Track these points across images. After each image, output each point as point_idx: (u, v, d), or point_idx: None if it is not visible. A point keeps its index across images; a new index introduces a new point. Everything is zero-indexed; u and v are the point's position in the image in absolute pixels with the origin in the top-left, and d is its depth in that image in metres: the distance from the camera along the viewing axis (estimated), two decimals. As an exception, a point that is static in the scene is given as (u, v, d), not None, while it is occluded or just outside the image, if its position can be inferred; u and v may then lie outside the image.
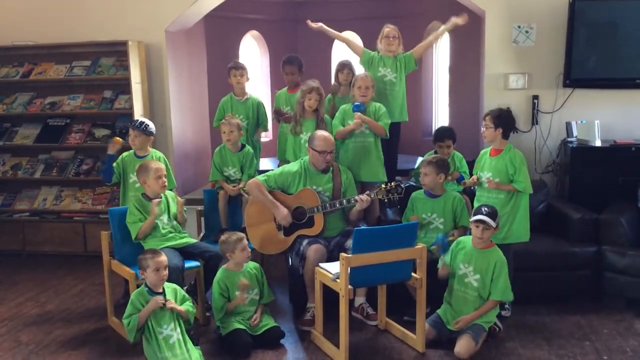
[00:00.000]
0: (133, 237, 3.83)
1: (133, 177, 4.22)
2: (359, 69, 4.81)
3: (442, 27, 4.68)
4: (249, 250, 3.71)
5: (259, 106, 4.89)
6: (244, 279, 3.64)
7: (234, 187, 4.44)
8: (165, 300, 3.30)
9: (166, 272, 3.39)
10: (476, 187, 3.96)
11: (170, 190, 4.18)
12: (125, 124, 5.39)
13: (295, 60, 4.92)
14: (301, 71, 4.89)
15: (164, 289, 3.40)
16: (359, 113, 4.18)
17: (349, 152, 4.29)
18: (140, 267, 3.41)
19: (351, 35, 4.74)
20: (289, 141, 4.47)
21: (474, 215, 3.53)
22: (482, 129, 3.89)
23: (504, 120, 3.86)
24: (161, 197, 3.91)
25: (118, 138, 4.33)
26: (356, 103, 4.21)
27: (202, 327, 3.84)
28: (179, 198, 4.13)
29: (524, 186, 3.78)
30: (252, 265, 3.76)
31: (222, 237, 3.72)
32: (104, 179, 4.38)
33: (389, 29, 4.59)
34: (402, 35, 4.66)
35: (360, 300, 3.96)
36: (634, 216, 4.24)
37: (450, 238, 3.84)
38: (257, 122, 4.91)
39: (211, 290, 3.69)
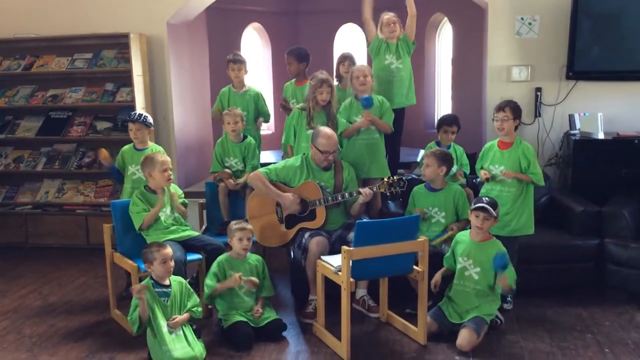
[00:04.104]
0: (137, 227, 3.84)
1: (132, 169, 4.23)
2: (360, 61, 4.78)
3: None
4: (248, 242, 3.69)
5: (257, 98, 4.87)
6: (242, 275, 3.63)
7: (235, 182, 4.44)
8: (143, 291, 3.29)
9: (172, 263, 3.40)
10: (486, 181, 3.93)
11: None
12: (124, 118, 5.40)
13: (292, 51, 4.89)
14: (301, 62, 4.85)
15: (170, 281, 3.42)
16: (367, 112, 4.14)
17: (356, 149, 4.26)
18: (145, 260, 3.41)
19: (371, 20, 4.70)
20: (298, 135, 4.41)
21: (475, 204, 3.53)
22: (497, 122, 3.84)
23: (520, 113, 3.86)
24: (164, 190, 3.92)
25: (103, 150, 4.30)
26: (365, 97, 4.15)
27: (204, 320, 3.84)
28: (176, 190, 4.10)
29: (539, 178, 3.80)
30: (254, 258, 3.77)
31: (231, 222, 3.75)
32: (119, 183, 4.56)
33: (387, 16, 4.56)
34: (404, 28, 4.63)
35: (361, 292, 3.97)
36: (637, 209, 4.23)
37: (450, 233, 3.85)
38: (257, 114, 4.89)
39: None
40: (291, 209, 3.93)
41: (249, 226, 3.72)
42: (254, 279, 3.66)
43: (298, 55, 4.85)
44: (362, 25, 7.78)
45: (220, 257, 3.69)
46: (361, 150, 4.26)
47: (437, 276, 3.64)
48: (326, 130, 3.95)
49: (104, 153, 4.28)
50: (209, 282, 3.62)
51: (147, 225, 3.83)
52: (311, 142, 3.97)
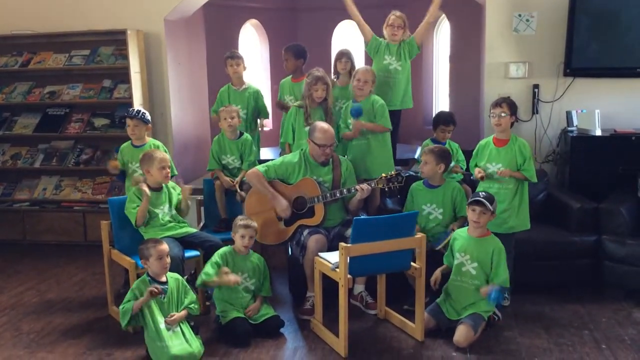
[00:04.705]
0: (132, 223, 3.83)
1: (132, 167, 4.22)
2: (358, 58, 4.77)
3: (433, 4, 4.58)
4: (250, 241, 3.67)
5: (257, 96, 4.86)
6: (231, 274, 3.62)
7: (232, 181, 4.43)
8: (161, 294, 3.32)
9: (168, 260, 3.42)
10: (480, 180, 3.93)
11: (172, 177, 4.18)
12: (122, 114, 5.40)
13: (290, 47, 4.88)
14: (299, 58, 4.84)
15: (167, 278, 3.42)
16: (356, 121, 4.16)
17: (353, 151, 4.28)
18: (142, 256, 3.42)
19: (351, 25, 4.71)
20: (296, 133, 4.41)
21: (471, 199, 3.55)
22: (495, 118, 3.84)
23: (516, 109, 3.87)
24: (162, 186, 3.91)
25: (115, 162, 4.26)
26: (353, 106, 4.17)
27: (202, 317, 3.84)
28: (185, 185, 4.10)
29: (532, 174, 3.81)
30: (256, 257, 3.76)
31: (238, 217, 3.76)
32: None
33: (394, 17, 4.53)
34: (410, 23, 4.62)
35: (359, 288, 3.97)
36: (634, 205, 4.23)
37: (452, 234, 3.86)
38: (257, 112, 4.89)
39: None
40: (282, 214, 3.93)
41: (254, 224, 3.70)
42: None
43: (296, 52, 4.85)
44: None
45: (224, 249, 3.69)
46: (356, 152, 4.27)
47: (437, 273, 3.65)
48: (322, 124, 3.96)
49: (113, 164, 4.26)
50: (210, 270, 3.58)
51: (142, 220, 3.83)
52: (308, 137, 3.97)
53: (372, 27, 4.67)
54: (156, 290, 3.28)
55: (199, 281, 3.61)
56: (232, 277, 3.58)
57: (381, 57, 4.57)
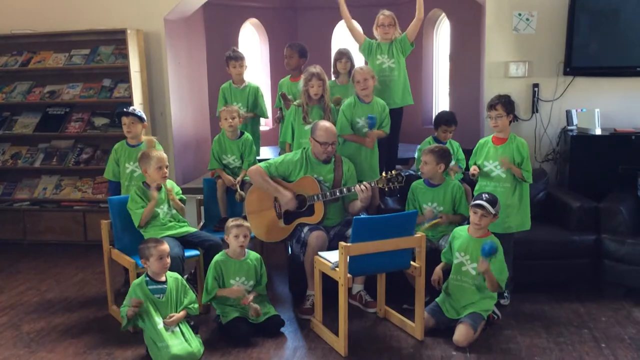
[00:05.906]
0: (136, 224, 3.83)
1: (130, 167, 4.20)
2: (358, 58, 4.79)
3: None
4: (245, 239, 3.63)
5: (256, 92, 4.88)
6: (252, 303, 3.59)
7: (233, 180, 4.43)
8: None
9: (168, 259, 3.42)
10: (479, 177, 3.93)
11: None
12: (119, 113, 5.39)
13: (296, 45, 4.93)
14: (302, 57, 4.87)
15: (166, 277, 3.42)
16: (371, 132, 4.17)
17: (347, 151, 4.25)
18: (142, 256, 3.42)
19: (355, 24, 4.72)
20: (296, 131, 4.41)
21: (474, 200, 3.54)
22: (492, 120, 3.83)
23: (513, 107, 3.86)
24: (161, 186, 3.91)
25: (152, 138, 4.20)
26: (370, 117, 4.17)
27: (201, 316, 3.84)
28: (173, 187, 4.07)
29: (528, 175, 3.82)
30: (253, 257, 3.74)
31: (229, 220, 3.72)
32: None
33: (383, 16, 4.58)
34: (402, 22, 4.64)
35: (358, 287, 3.97)
36: (634, 205, 4.24)
37: (438, 220, 3.86)
38: (256, 108, 4.90)
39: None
40: (288, 206, 3.93)
41: (246, 223, 3.69)
42: (258, 308, 3.61)
43: (301, 50, 4.89)
44: (358, 20, 7.79)
45: (217, 258, 3.66)
46: (351, 153, 4.24)
47: (439, 271, 3.65)
48: (324, 122, 3.96)
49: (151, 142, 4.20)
50: (212, 286, 3.58)
51: (146, 222, 3.83)
52: (310, 135, 3.97)
53: (366, 26, 4.69)
54: (135, 304, 3.28)
55: (205, 299, 3.61)
56: (236, 288, 3.58)
57: (374, 58, 4.60)
